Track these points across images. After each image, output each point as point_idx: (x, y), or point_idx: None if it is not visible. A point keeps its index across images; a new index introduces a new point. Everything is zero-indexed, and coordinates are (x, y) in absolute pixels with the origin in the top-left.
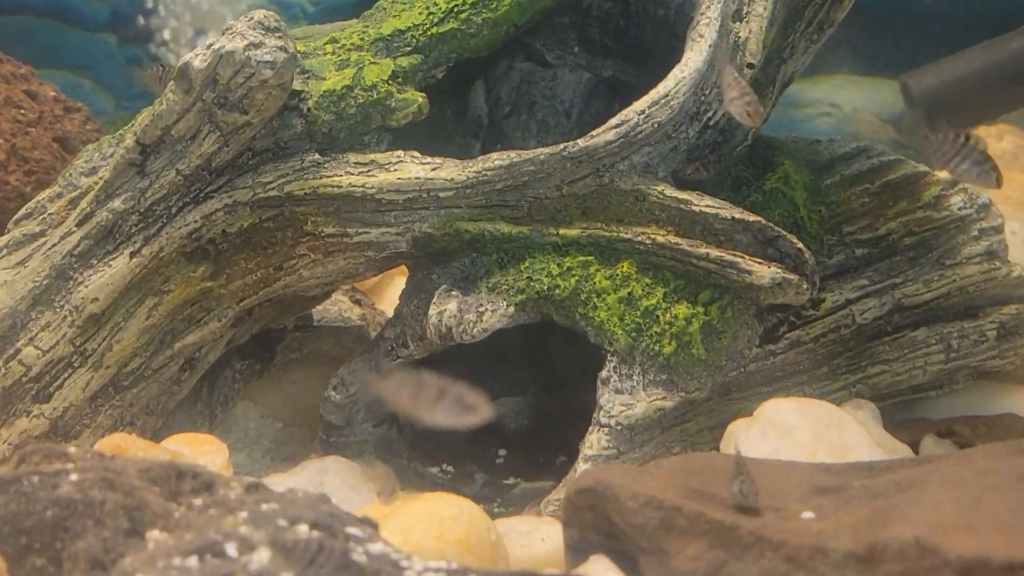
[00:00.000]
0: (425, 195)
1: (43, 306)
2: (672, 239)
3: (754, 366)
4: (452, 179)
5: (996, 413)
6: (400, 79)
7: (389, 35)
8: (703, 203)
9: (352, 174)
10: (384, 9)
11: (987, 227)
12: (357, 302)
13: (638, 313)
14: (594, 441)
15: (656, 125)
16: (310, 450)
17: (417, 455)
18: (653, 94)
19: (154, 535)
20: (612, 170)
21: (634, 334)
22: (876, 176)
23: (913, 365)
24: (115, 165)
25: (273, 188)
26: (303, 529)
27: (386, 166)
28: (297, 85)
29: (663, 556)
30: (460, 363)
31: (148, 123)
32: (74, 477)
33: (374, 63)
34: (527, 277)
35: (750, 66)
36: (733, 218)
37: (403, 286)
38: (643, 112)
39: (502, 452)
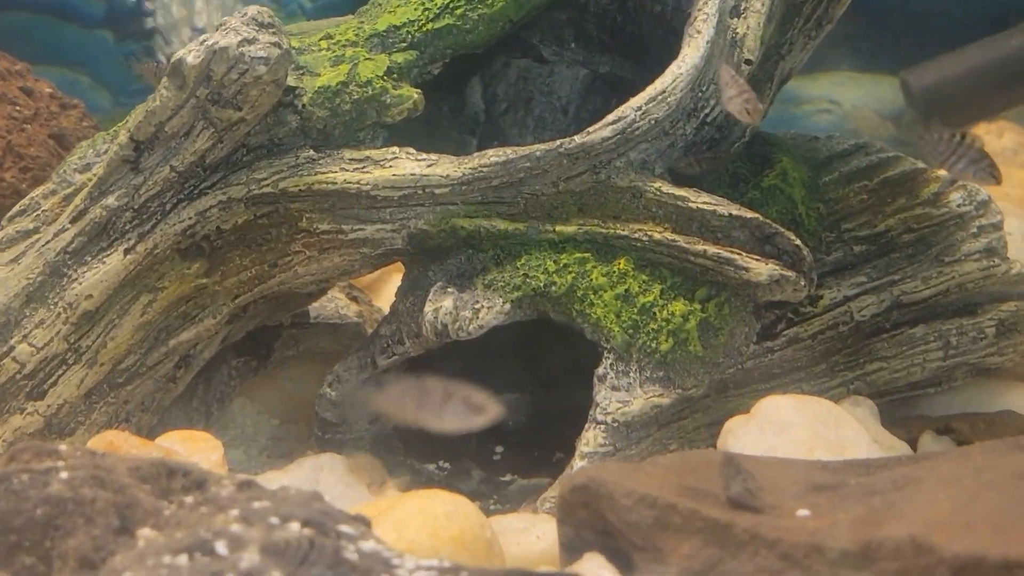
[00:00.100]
0: (420, 192)
1: (37, 303)
2: (669, 236)
3: (752, 363)
4: (448, 175)
5: (995, 410)
6: (395, 75)
7: (384, 31)
8: (700, 200)
9: (347, 170)
10: (379, 5)
11: (986, 224)
12: (354, 299)
13: (635, 310)
14: (590, 438)
15: (653, 121)
16: (307, 447)
17: (413, 452)
18: (650, 90)
19: (144, 533)
20: (609, 167)
21: (631, 331)
22: (875, 173)
23: (912, 362)
24: (109, 162)
25: (268, 184)
26: (294, 527)
27: (381, 162)
28: (292, 81)
29: (657, 554)
30: (456, 360)
31: (142, 119)
32: (64, 475)
33: (369, 59)
34: (523, 274)
35: (748, 62)
36: (730, 215)
37: None
38: (640, 108)
39: (499, 449)
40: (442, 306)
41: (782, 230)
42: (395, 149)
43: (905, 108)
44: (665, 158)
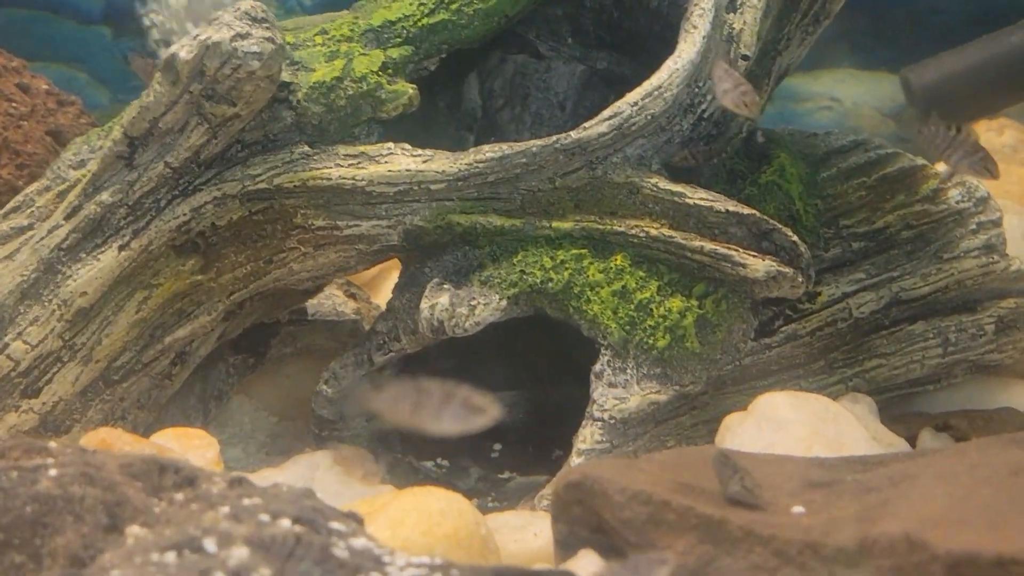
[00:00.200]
0: (416, 187)
1: (31, 300)
2: (666, 232)
3: (749, 360)
4: (443, 171)
5: (994, 407)
6: (390, 70)
7: (379, 26)
8: (697, 196)
9: (342, 166)
10: (375, 0)
11: (985, 220)
12: (352, 296)
13: (632, 306)
14: (587, 435)
15: (650, 117)
16: (305, 444)
17: (411, 449)
18: (646, 86)
19: (134, 531)
20: (605, 162)
21: (628, 327)
22: (873, 169)
23: (910, 359)
24: (103, 158)
25: (262, 181)
26: (285, 524)
27: (376, 158)
28: (286, 77)
29: (652, 551)
30: (452, 357)
31: (135, 115)
32: (53, 472)
33: (364, 54)
34: (520, 270)
35: (745, 58)
36: (727, 211)
37: None
38: (636, 104)
39: (497, 446)
40: (438, 302)
41: (779, 226)
42: (390, 145)
43: (906, 105)
44: (662, 154)
